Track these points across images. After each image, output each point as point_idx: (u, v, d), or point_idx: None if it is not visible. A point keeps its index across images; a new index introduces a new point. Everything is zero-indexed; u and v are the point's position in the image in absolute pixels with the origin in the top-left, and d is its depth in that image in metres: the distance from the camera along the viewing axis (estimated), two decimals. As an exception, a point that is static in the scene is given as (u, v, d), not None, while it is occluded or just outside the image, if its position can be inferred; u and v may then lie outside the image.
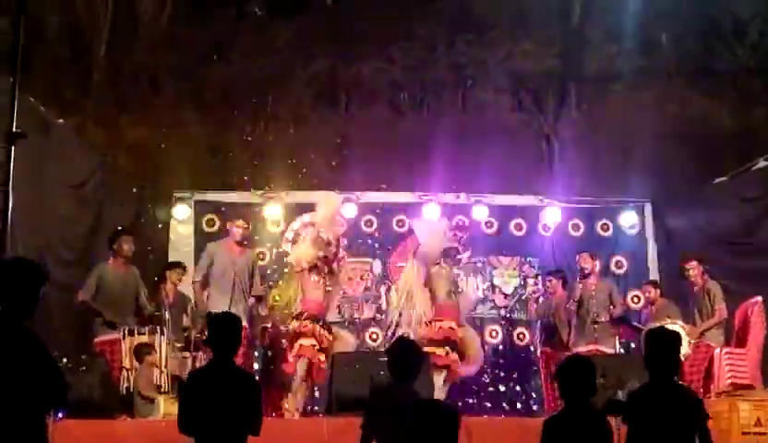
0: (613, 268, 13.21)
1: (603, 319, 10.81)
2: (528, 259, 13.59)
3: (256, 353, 11.23)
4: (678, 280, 11.55)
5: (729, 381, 9.58)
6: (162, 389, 8.88)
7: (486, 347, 13.01)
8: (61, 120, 10.30)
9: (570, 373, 5.11)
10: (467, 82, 16.48)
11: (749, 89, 15.64)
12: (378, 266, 13.17)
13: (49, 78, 13.07)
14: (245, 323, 9.75)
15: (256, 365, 11.19)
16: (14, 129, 6.44)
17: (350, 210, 12.89)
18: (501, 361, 13.03)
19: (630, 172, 14.19)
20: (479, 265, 13.31)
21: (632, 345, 11.88)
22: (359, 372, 8.47)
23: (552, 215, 13.31)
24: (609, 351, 10.80)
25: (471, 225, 13.23)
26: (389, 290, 12.92)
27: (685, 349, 10.10)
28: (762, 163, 11.55)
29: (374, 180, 14.05)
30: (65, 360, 8.05)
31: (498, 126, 15.81)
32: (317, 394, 12.10)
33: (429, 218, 12.44)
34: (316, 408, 11.65)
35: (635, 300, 12.25)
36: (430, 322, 10.22)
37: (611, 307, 10.99)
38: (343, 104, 16.13)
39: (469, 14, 16.42)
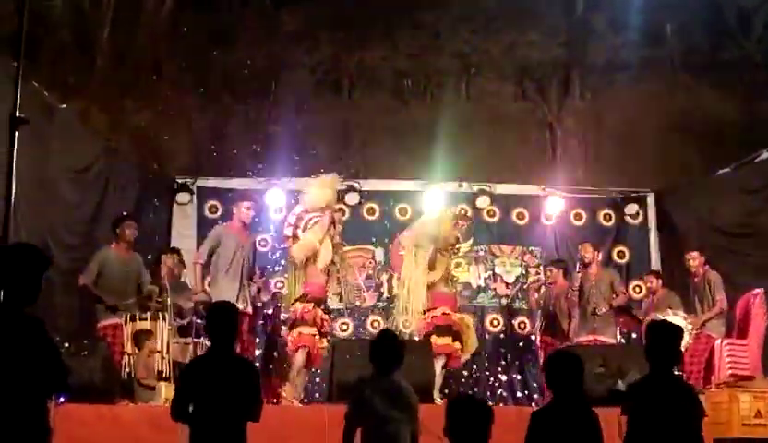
0: (615, 258, 13.25)
1: (603, 309, 10.82)
2: (530, 249, 13.61)
3: (257, 340, 11.26)
4: (679, 270, 11.58)
5: (730, 372, 9.60)
6: (164, 375, 8.89)
7: (488, 336, 13.06)
8: (64, 105, 10.30)
9: (557, 366, 5.14)
10: (471, 71, 16.43)
11: (753, 82, 15.58)
12: (380, 254, 13.19)
13: (52, 64, 13.05)
14: (249, 309, 9.76)
15: (257, 352, 11.22)
16: (17, 114, 6.43)
17: (352, 198, 12.93)
18: (502, 350, 13.07)
19: (633, 162, 14.18)
20: (481, 254, 13.33)
21: (633, 335, 11.91)
22: (360, 359, 8.48)
23: (554, 205, 13.33)
24: (610, 340, 10.83)
25: (473, 214, 13.25)
26: (390, 278, 12.96)
27: (686, 339, 10.14)
28: (765, 155, 11.57)
29: (377, 168, 14.06)
30: (66, 344, 8.07)
31: (501, 115, 15.77)
32: (317, 381, 12.18)
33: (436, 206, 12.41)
34: (317, 395, 11.72)
35: (637, 290, 12.30)
36: (426, 311, 10.20)
37: (613, 297, 11.00)
38: (347, 92, 16.09)
39: (474, 2, 16.38)
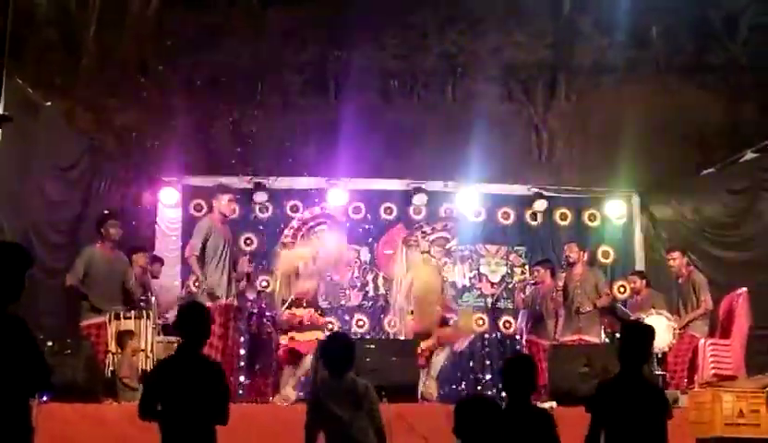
0: (600, 258, 13.26)
1: (587, 308, 10.84)
2: (515, 248, 13.62)
3: (242, 339, 11.23)
4: (664, 270, 11.62)
5: (713, 372, 9.63)
6: (148, 374, 8.88)
7: (472, 335, 13.08)
8: (49, 103, 10.25)
9: (513, 370, 5.22)
10: (458, 71, 16.47)
11: (738, 84, 15.69)
12: (365, 253, 13.18)
13: (38, 62, 13.04)
14: (236, 303, 9.72)
15: (242, 351, 11.20)
16: (1, 112, 6.42)
17: (339, 197, 12.92)
18: (487, 349, 13.08)
19: (619, 162, 14.24)
20: (466, 253, 13.34)
21: (617, 335, 11.93)
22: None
23: (540, 204, 13.35)
24: (594, 340, 10.84)
25: (458, 214, 13.27)
26: (376, 277, 12.97)
27: (670, 339, 10.19)
28: (749, 156, 11.61)
29: (363, 167, 14.07)
30: (50, 343, 8.05)
31: (487, 116, 15.82)
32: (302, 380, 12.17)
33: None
34: (301, 394, 11.71)
35: (621, 290, 12.33)
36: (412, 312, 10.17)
37: (598, 297, 11.03)
38: (333, 91, 16.11)
39: (461, 4, 16.42)
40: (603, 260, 13.23)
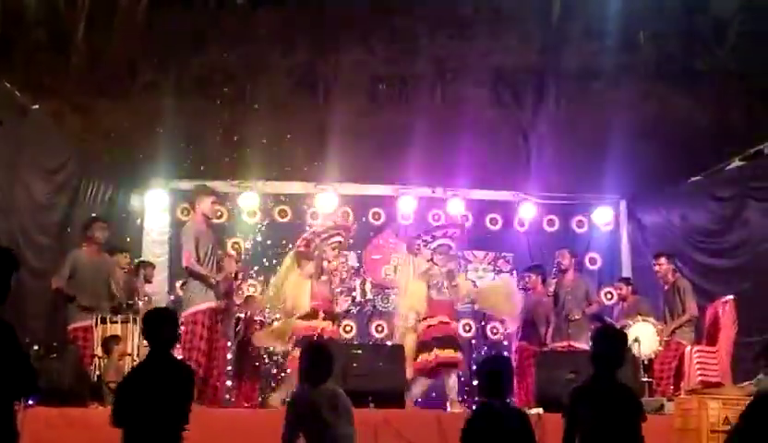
0: (587, 264, 13.30)
1: (576, 316, 10.85)
2: (503, 254, 13.66)
3: (229, 344, 11.21)
4: (650, 277, 11.66)
5: (699, 379, 9.65)
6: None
7: (460, 341, 13.10)
8: (37, 105, 10.23)
9: (487, 372, 5.27)
10: (446, 76, 16.47)
11: (726, 90, 15.72)
12: (353, 258, 13.17)
13: (26, 63, 13.00)
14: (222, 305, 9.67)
15: (229, 356, 11.17)
16: (-11, 114, 6.40)
17: (329, 202, 12.92)
18: (474, 355, 13.09)
19: (606, 169, 14.25)
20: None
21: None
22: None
23: (527, 211, 13.39)
24: (583, 347, 10.85)
25: (446, 219, 13.28)
26: (363, 283, 12.97)
27: (656, 346, 10.21)
28: (736, 163, 11.66)
29: (351, 172, 14.06)
30: (36, 347, 8.03)
31: (476, 121, 15.81)
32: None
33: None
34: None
35: (608, 296, 12.37)
36: (424, 319, 10.11)
37: (588, 304, 11.04)
38: (322, 95, 16.08)
39: (450, 8, 16.42)
40: (590, 266, 13.27)
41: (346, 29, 16.20)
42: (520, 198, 13.56)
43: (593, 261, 13.40)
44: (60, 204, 10.62)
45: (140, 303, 9.80)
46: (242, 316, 11.93)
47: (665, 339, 10.25)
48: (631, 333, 9.94)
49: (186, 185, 12.91)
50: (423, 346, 9.92)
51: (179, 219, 12.51)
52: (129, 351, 8.97)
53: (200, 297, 8.93)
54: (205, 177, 12.85)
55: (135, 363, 8.88)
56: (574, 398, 5.25)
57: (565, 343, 10.78)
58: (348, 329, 12.88)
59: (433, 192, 13.44)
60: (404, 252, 10.98)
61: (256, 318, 12.04)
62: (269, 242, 13.07)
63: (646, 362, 10.10)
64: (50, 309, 9.82)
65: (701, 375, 9.69)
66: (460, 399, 9.74)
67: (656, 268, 10.84)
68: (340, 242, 10.45)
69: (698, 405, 8.42)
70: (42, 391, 7.00)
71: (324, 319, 9.85)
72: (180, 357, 8.30)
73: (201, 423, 5.89)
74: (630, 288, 11.53)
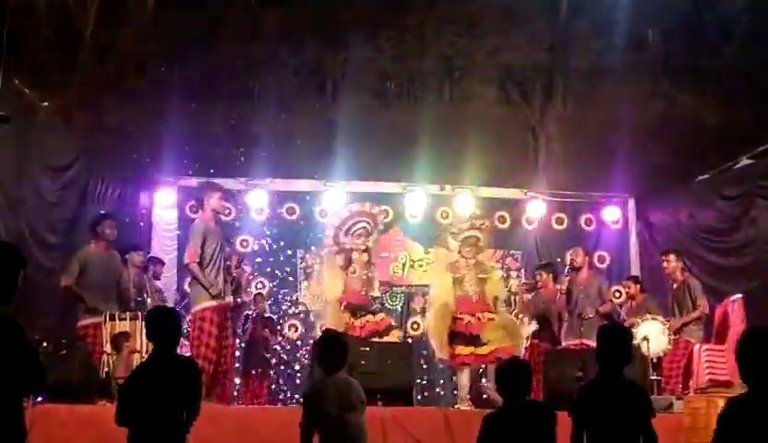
0: (595, 262, 13.28)
1: (589, 314, 10.81)
2: (511, 252, 13.65)
3: (238, 341, 11.24)
4: (659, 275, 11.64)
5: (708, 377, 9.63)
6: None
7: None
8: (45, 103, 10.25)
9: (508, 373, 5.27)
10: (455, 73, 16.45)
11: (734, 88, 15.67)
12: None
13: (34, 61, 12.99)
14: (232, 303, 9.66)
15: (237, 353, 11.20)
16: (-2, 112, 6.42)
17: (337, 200, 12.93)
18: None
19: (615, 167, 14.24)
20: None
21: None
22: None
23: (536, 208, 13.37)
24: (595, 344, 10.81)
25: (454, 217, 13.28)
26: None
27: (665, 344, 10.19)
28: (744, 162, 11.64)
29: (359, 169, 14.06)
30: (45, 344, 8.04)
31: (484, 119, 15.80)
32: (298, 382, 12.20)
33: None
34: (297, 396, 11.74)
35: (616, 295, 12.33)
36: (454, 316, 10.04)
37: (601, 302, 11.00)
38: (330, 93, 16.08)
39: (458, 6, 16.41)
40: (598, 264, 13.25)
41: (354, 27, 16.20)
42: (528, 196, 13.55)
43: (601, 259, 13.38)
44: (68, 202, 10.63)
45: (149, 300, 9.81)
46: (250, 313, 11.99)
47: (673, 335, 10.23)
48: (640, 332, 9.93)
49: (194, 182, 12.94)
50: (450, 338, 9.94)
51: (187, 216, 12.54)
52: (138, 348, 8.98)
53: (208, 294, 8.95)
54: (213, 175, 12.89)
55: (143, 359, 8.92)
56: (581, 396, 5.25)
57: (577, 341, 10.75)
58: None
59: (441, 189, 13.43)
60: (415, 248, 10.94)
61: (264, 316, 12.10)
62: (277, 240, 13.09)
63: (655, 360, 10.08)
64: (59, 307, 9.84)
65: (709, 373, 9.66)
66: (469, 397, 9.72)
67: (665, 265, 10.81)
68: (365, 228, 10.43)
69: (707, 404, 8.40)
70: (50, 388, 7.02)
71: (344, 312, 9.85)
72: (188, 354, 8.33)
73: (210, 420, 5.91)
74: (638, 286, 11.52)
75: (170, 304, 10.89)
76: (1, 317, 4.26)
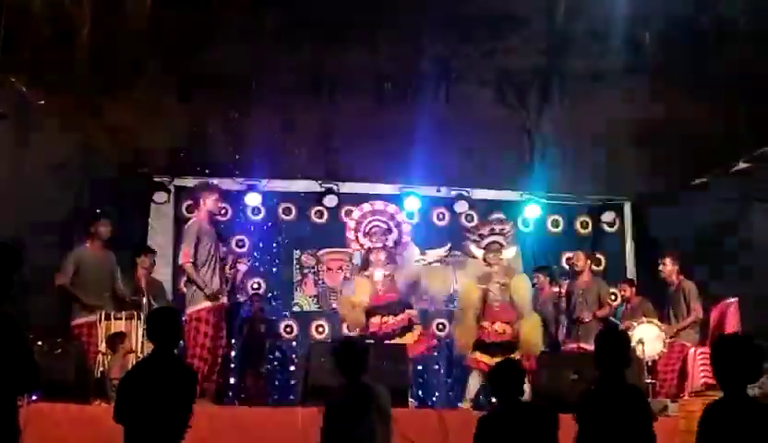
0: (591, 265, 13.27)
1: (586, 319, 10.80)
2: (506, 254, 13.62)
3: (233, 341, 11.22)
4: (654, 278, 11.65)
5: (703, 381, 9.64)
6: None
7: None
8: (42, 102, 10.22)
9: (501, 375, 5.27)
10: (451, 75, 16.43)
11: (732, 92, 15.67)
12: (357, 257, 13.17)
13: (31, 59, 12.96)
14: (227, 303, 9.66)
15: (233, 353, 11.19)
16: (-5, 111, 6.40)
17: (330, 200, 12.94)
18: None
19: (611, 170, 14.24)
20: (459, 259, 13.32)
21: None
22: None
23: (532, 211, 13.37)
24: (592, 348, 10.79)
25: (450, 218, 13.29)
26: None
27: (660, 348, 10.20)
28: (741, 165, 11.65)
29: (356, 170, 14.05)
30: (40, 343, 8.03)
31: (480, 120, 15.76)
32: (292, 382, 12.19)
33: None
34: (290, 397, 11.74)
35: (612, 298, 12.34)
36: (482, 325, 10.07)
37: (600, 307, 10.99)
38: (327, 93, 16.05)
39: (455, 7, 16.38)
40: (594, 268, 13.24)
41: (351, 27, 16.17)
42: (524, 198, 13.54)
43: (597, 262, 13.38)
44: (65, 201, 10.62)
45: (145, 299, 9.80)
46: (248, 314, 11.99)
47: (668, 340, 10.23)
48: (635, 335, 9.94)
49: (191, 182, 12.93)
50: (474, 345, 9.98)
51: (183, 215, 12.53)
52: (134, 348, 8.97)
53: (203, 295, 8.95)
54: (209, 175, 12.89)
55: (139, 359, 8.90)
56: (585, 401, 5.24)
57: (575, 345, 10.76)
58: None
59: (437, 191, 13.43)
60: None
61: (262, 316, 12.10)
62: (273, 240, 13.08)
63: (650, 363, 10.07)
64: (54, 306, 9.82)
65: (704, 376, 9.67)
66: (471, 403, 9.76)
67: (661, 268, 10.82)
68: (379, 227, 10.45)
69: (702, 407, 8.38)
70: (44, 387, 7.02)
71: (361, 313, 10.05)
72: (183, 353, 8.33)
73: (205, 420, 5.90)
74: (633, 289, 11.54)
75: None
76: (-4, 315, 4.26)
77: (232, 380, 11.49)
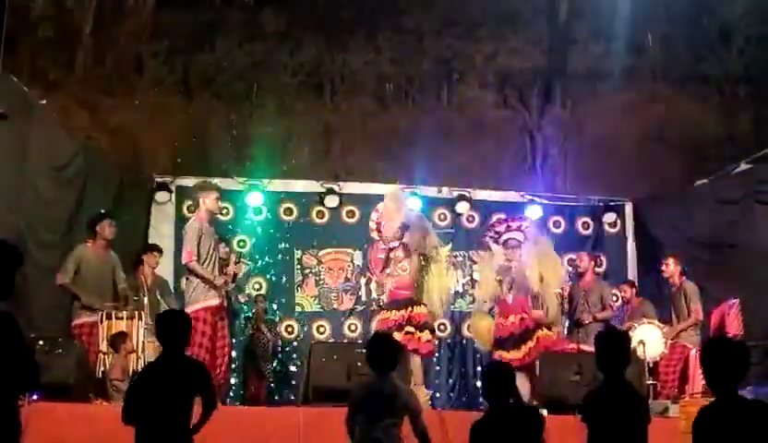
0: (594, 267, 13.26)
1: (586, 320, 10.79)
2: (508, 255, 13.62)
3: (234, 341, 11.21)
4: (655, 280, 11.63)
5: (704, 382, 9.61)
6: (140, 375, 8.86)
7: (464, 341, 13.12)
8: (44, 101, 10.22)
9: (493, 378, 5.28)
10: (453, 76, 16.46)
11: (733, 94, 15.71)
12: (358, 257, 13.18)
13: (33, 59, 13.00)
14: (225, 303, 9.64)
15: (234, 353, 11.18)
16: (-4, 110, 6.40)
17: (331, 200, 12.95)
18: (478, 355, 13.11)
19: (612, 171, 14.25)
20: (459, 259, 13.34)
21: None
22: (336, 363, 8.51)
23: (533, 212, 13.35)
24: (592, 350, 10.77)
25: (452, 219, 13.30)
26: (369, 282, 12.97)
27: (661, 349, 10.18)
28: (743, 167, 11.65)
29: (357, 171, 14.06)
30: (41, 342, 8.03)
31: (482, 122, 15.82)
32: (293, 383, 12.19)
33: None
34: (291, 397, 11.74)
35: (613, 299, 12.33)
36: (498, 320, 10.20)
37: (602, 309, 10.97)
38: (329, 94, 16.08)
39: (457, 9, 16.42)
40: (596, 269, 13.24)
41: (352, 28, 16.21)
42: (526, 199, 13.54)
43: (598, 263, 13.36)
44: (66, 200, 10.60)
45: (145, 299, 9.79)
46: (249, 315, 11.99)
47: (669, 341, 10.22)
48: (636, 336, 9.92)
49: (192, 182, 12.92)
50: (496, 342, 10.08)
51: (184, 215, 12.50)
52: (135, 347, 8.96)
53: (203, 295, 8.93)
54: (211, 175, 12.87)
55: (140, 359, 8.91)
56: (590, 402, 5.23)
57: (574, 346, 10.74)
58: (353, 328, 12.92)
59: (439, 192, 13.43)
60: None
61: (264, 316, 12.10)
62: (274, 240, 13.08)
63: (651, 364, 10.06)
64: (55, 305, 9.81)
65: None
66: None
67: (663, 268, 10.79)
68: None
69: (702, 408, 8.41)
70: (45, 387, 7.01)
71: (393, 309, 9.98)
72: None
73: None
74: (634, 291, 11.51)
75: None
76: (-3, 315, 4.25)
77: (233, 380, 11.49)
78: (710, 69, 15.88)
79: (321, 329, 12.92)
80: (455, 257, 13.27)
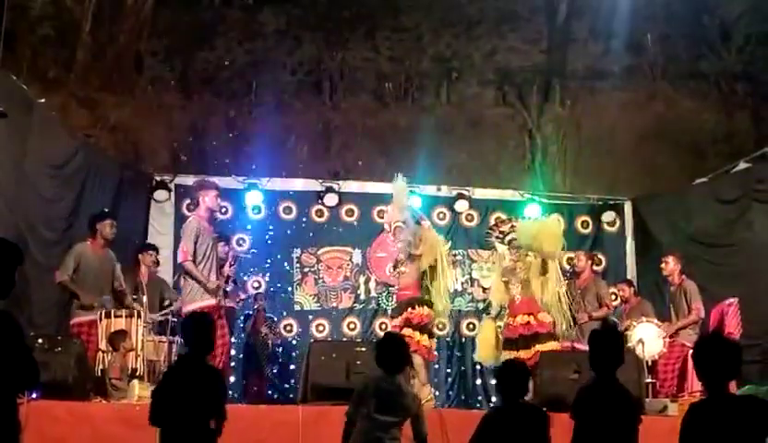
0: (592, 265, 13.27)
1: (582, 319, 10.79)
2: (506, 254, 13.63)
3: (233, 339, 11.21)
4: (654, 278, 11.63)
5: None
6: (138, 373, 8.86)
7: (464, 339, 13.12)
8: (43, 99, 10.22)
9: (509, 375, 5.30)
10: (452, 75, 16.46)
11: (732, 92, 15.71)
12: (357, 256, 13.19)
13: (32, 57, 13.00)
14: (224, 303, 9.66)
15: (233, 352, 11.18)
16: (-4, 108, 6.40)
17: (331, 199, 12.95)
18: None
19: (611, 169, 14.26)
20: (458, 258, 13.34)
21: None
22: (335, 361, 8.50)
23: (532, 210, 13.36)
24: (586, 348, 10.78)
25: (451, 218, 13.31)
26: (368, 280, 12.98)
27: (660, 347, 10.18)
28: (742, 166, 11.65)
29: (356, 169, 14.05)
30: (40, 341, 8.03)
31: (481, 120, 15.82)
32: (292, 381, 12.20)
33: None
34: (290, 396, 11.74)
35: (611, 297, 12.33)
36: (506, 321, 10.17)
37: (599, 307, 10.97)
38: (328, 93, 16.08)
39: (456, 7, 16.42)
40: (594, 267, 13.24)
41: (351, 27, 16.21)
42: (525, 198, 13.54)
43: (597, 262, 13.37)
44: (66, 198, 10.59)
45: (144, 297, 9.78)
46: (249, 313, 11.99)
47: (668, 338, 10.22)
48: (635, 335, 9.93)
49: (192, 180, 12.92)
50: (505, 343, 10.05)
51: (183, 214, 12.49)
52: (134, 346, 8.96)
53: (199, 295, 8.92)
54: (210, 173, 12.89)
55: (139, 357, 8.92)
56: (579, 399, 5.25)
57: (568, 344, 10.74)
58: (352, 326, 12.93)
59: (438, 190, 13.43)
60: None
61: (264, 315, 12.10)
62: (273, 239, 13.08)
63: (650, 363, 10.06)
64: (55, 303, 9.81)
65: (704, 377, 9.64)
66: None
67: (663, 267, 10.77)
68: (400, 227, 10.52)
69: (701, 407, 8.41)
70: (44, 385, 7.02)
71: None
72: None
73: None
74: (632, 290, 11.51)
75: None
76: (-3, 312, 4.25)
77: (232, 379, 11.49)
78: (709, 68, 15.88)
79: (320, 328, 12.93)
80: (454, 255, 13.28)
